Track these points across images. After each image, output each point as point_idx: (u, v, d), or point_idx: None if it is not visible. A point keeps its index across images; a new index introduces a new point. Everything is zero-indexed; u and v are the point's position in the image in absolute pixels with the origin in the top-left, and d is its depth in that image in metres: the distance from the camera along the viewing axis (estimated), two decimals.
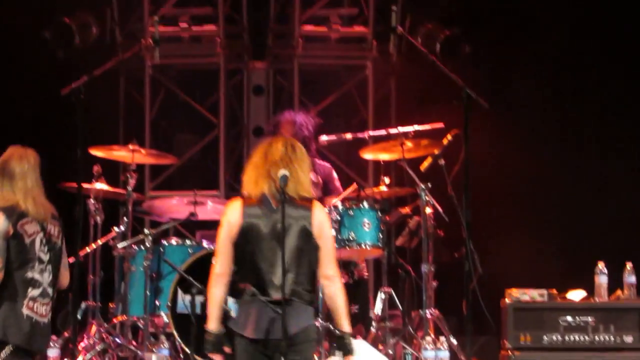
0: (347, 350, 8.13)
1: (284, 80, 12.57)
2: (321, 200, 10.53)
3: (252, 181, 7.92)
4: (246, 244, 7.88)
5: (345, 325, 7.98)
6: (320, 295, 9.17)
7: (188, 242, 10.24)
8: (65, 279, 8.38)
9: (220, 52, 12.31)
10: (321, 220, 7.89)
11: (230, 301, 8.39)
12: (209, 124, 12.40)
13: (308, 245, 7.91)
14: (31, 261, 8.15)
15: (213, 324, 7.86)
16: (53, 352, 9.68)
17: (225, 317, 8.54)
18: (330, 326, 9.28)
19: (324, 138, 10.65)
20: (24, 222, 8.08)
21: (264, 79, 12.40)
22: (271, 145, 7.99)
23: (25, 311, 8.07)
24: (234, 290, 8.17)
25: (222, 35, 12.27)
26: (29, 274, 8.11)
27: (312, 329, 8.10)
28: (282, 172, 7.73)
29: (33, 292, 8.14)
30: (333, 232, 9.25)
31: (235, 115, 12.56)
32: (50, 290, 8.26)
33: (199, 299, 9.51)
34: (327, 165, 11.07)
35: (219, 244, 8.09)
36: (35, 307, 8.21)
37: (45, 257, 8.20)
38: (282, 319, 7.95)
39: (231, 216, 7.93)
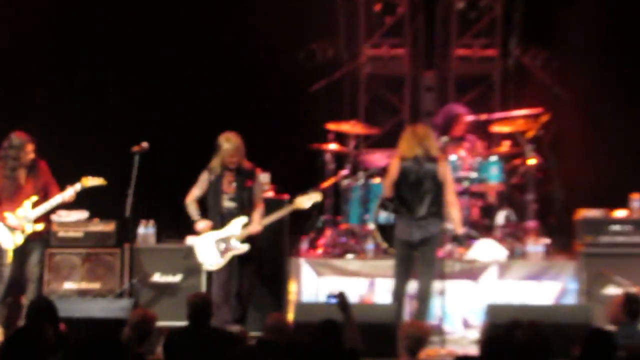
0: (459, 243, 9.63)
1: (444, 83, 13.28)
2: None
3: (408, 147, 9.53)
4: (402, 184, 9.44)
5: (458, 229, 9.54)
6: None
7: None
8: None
9: (407, 67, 13.27)
10: (443, 170, 9.41)
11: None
12: (398, 109, 13.25)
13: (436, 184, 9.41)
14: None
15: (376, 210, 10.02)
16: (304, 244, 11.06)
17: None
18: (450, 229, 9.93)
19: (469, 118, 11.61)
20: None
21: (432, 82, 13.29)
22: (416, 128, 9.52)
23: None
24: (396, 210, 9.58)
25: (408, 56, 13.19)
26: None
27: (439, 234, 9.51)
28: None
29: None
30: (456, 174, 10.31)
31: (415, 104, 13.26)
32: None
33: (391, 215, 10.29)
34: (473, 136, 11.67)
35: (385, 184, 9.55)
36: None
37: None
38: (422, 227, 9.44)
39: (393, 168, 9.50)
